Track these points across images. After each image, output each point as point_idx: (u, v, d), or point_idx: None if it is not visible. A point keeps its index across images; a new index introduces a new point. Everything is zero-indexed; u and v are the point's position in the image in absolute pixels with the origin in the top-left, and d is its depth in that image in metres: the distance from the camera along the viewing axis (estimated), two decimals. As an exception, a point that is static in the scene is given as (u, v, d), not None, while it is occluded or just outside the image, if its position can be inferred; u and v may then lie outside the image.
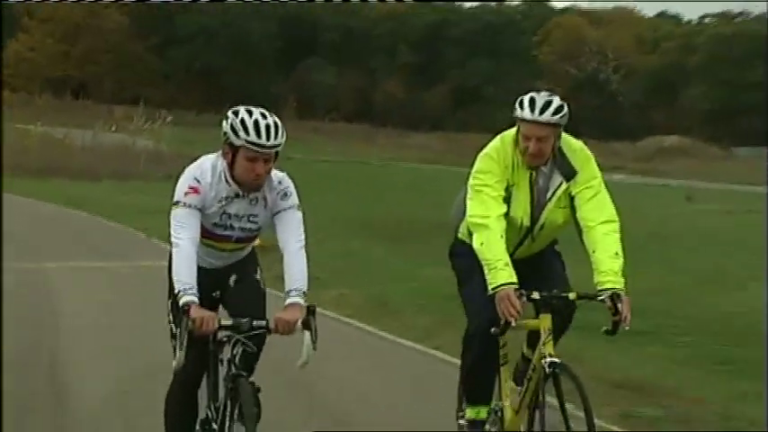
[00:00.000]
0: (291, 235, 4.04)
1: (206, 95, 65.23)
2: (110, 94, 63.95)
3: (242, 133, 3.89)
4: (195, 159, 4.18)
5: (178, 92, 66.00)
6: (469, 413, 4.62)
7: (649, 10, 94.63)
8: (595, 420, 4.05)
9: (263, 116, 3.92)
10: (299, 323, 3.84)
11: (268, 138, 3.89)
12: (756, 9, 67.30)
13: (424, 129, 66.68)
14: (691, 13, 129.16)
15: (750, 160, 57.23)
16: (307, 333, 3.83)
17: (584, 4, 77.70)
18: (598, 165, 4.46)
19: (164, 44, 67.89)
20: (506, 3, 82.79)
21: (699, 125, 65.18)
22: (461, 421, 4.77)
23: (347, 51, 70.08)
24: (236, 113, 3.95)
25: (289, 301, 3.91)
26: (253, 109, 3.97)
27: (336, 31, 70.75)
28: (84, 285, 11.39)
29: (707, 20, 73.32)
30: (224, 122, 3.98)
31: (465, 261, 4.49)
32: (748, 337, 8.29)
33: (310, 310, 3.88)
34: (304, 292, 3.92)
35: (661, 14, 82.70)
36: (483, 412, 4.57)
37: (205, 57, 67.00)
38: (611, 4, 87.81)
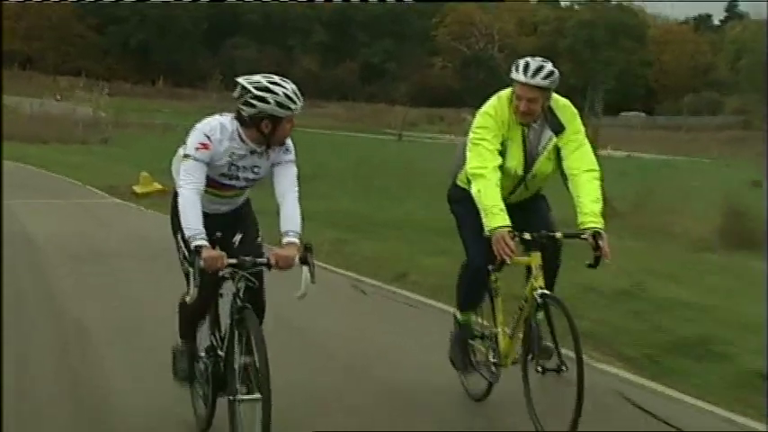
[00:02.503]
0: (289, 186, 4.01)
1: (140, 69, 68.00)
2: (54, 66, 65.94)
3: (271, 101, 3.86)
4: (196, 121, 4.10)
5: (115, 65, 68.39)
6: (460, 317, 4.75)
7: None
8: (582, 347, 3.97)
9: (281, 83, 3.93)
10: (297, 259, 3.83)
11: (294, 102, 3.92)
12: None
13: (335, 99, 70.47)
14: None
15: (605, 128, 62.84)
16: (305, 268, 3.82)
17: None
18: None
19: (103, 23, 69.85)
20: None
21: (566, 98, 70.55)
22: (456, 319, 4.93)
23: (267, 31, 72.85)
24: (251, 83, 3.92)
25: (286, 240, 3.90)
26: (273, 77, 3.99)
27: (257, 13, 73.58)
28: (38, 213, 15.23)
29: (576, 6, 78.55)
30: (241, 92, 3.90)
31: (463, 206, 4.53)
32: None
33: (307, 248, 3.87)
34: (299, 233, 3.91)
35: (543, 0, 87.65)
36: (472, 318, 4.74)
37: (139, 35, 69.46)
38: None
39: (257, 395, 3.63)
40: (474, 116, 4.48)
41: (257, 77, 3.89)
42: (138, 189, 19.00)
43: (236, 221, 4.21)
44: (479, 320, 4.73)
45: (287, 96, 3.82)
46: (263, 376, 3.60)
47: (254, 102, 3.81)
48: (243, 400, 3.73)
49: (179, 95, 64.29)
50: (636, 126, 61.35)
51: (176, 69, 68.81)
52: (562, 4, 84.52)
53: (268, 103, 3.80)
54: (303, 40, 75.43)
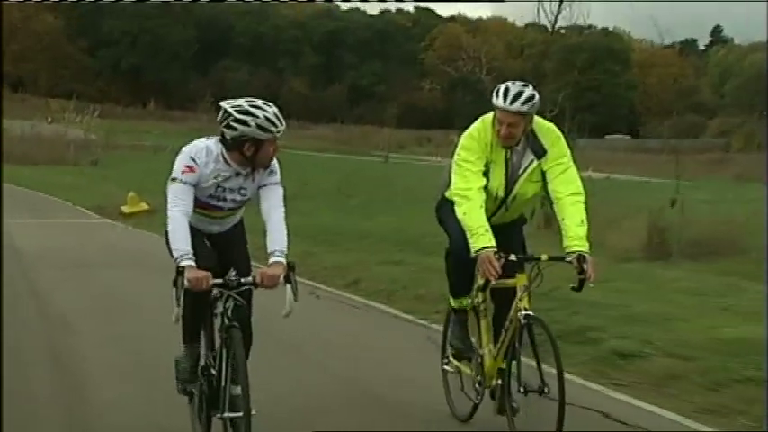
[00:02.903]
0: (275, 207, 4.11)
1: (131, 91, 69.10)
2: (45, 88, 66.85)
3: (252, 125, 3.95)
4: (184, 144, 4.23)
5: (107, 87, 69.49)
6: (454, 303, 4.85)
7: (521, 20, 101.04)
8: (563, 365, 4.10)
9: (264, 107, 4.03)
10: (281, 278, 3.92)
11: (275, 125, 4.01)
12: (600, 24, 74.30)
13: (324, 121, 71.75)
14: (559, 23, 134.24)
15: (589, 150, 64.35)
16: (288, 286, 3.91)
17: (469, 13, 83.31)
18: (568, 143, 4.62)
19: (93, 45, 71.02)
20: (399, 11, 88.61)
21: (551, 119, 72.01)
22: (446, 367, 4.99)
23: (258, 53, 74.17)
24: (234, 107, 4.02)
25: (272, 259, 3.98)
26: (256, 101, 4.06)
27: (248, 36, 75.01)
28: (30, 232, 16.06)
29: (562, 30, 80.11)
30: (224, 116, 3.99)
31: (447, 208, 4.64)
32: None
33: (290, 267, 3.95)
34: (285, 253, 3.99)
35: (531, 24, 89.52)
36: (465, 302, 4.79)
37: (130, 57, 70.72)
38: (488, 14, 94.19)
39: (240, 413, 3.78)
40: (459, 139, 4.57)
41: (240, 101, 4.01)
42: (125, 209, 19.90)
43: (225, 241, 4.31)
44: (461, 348, 4.77)
45: (267, 119, 3.94)
46: (243, 395, 3.74)
47: (235, 125, 3.93)
48: (228, 418, 3.92)
49: (170, 117, 65.30)
50: (620, 148, 62.65)
51: (167, 91, 69.99)
52: (549, 27, 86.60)
53: (249, 126, 3.92)
54: (293, 62, 76.80)
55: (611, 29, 79.55)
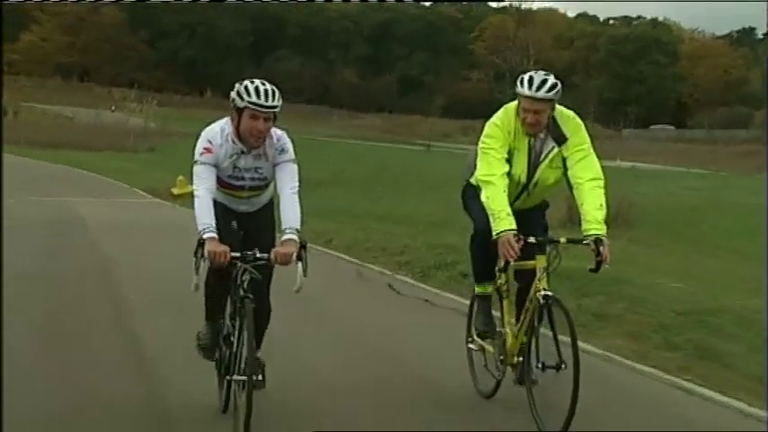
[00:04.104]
0: (287, 183, 4.30)
1: (188, 81, 72.74)
2: (109, 78, 70.73)
3: (245, 96, 4.16)
4: (206, 126, 4.43)
5: (165, 78, 73.17)
6: (478, 289, 4.96)
7: (572, 11, 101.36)
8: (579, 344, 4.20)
9: (263, 83, 4.22)
10: (294, 256, 4.12)
11: (266, 99, 4.16)
12: (650, 14, 74.92)
13: (373, 111, 74.12)
14: (609, 13, 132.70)
15: (633, 140, 65.36)
16: (299, 264, 4.12)
17: (518, 3, 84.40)
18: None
19: (154, 37, 74.62)
20: (451, 2, 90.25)
21: (598, 110, 73.19)
22: (471, 345, 5.10)
23: (309, 45, 76.78)
24: (241, 83, 4.24)
25: (285, 237, 4.19)
26: (255, 79, 4.26)
27: (300, 28, 77.66)
28: (92, 208, 18.48)
29: (611, 21, 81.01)
30: (232, 92, 4.25)
31: (471, 193, 4.82)
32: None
33: (302, 245, 4.15)
34: (297, 230, 4.20)
35: (582, 15, 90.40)
36: (489, 288, 4.91)
37: (188, 48, 74.31)
38: (539, 5, 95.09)
39: (243, 377, 4.03)
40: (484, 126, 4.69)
41: (247, 80, 4.26)
42: (175, 191, 22.53)
43: (254, 223, 4.52)
44: (485, 328, 4.90)
45: (257, 92, 4.15)
46: (249, 361, 3.98)
47: (234, 97, 4.21)
48: (235, 380, 4.19)
49: (225, 106, 66.51)
50: (663, 139, 63.47)
51: (223, 81, 73.12)
52: (602, 19, 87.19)
53: (242, 98, 4.17)
54: (343, 53, 79.30)
55: (660, 19, 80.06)
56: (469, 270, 5.05)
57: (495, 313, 4.90)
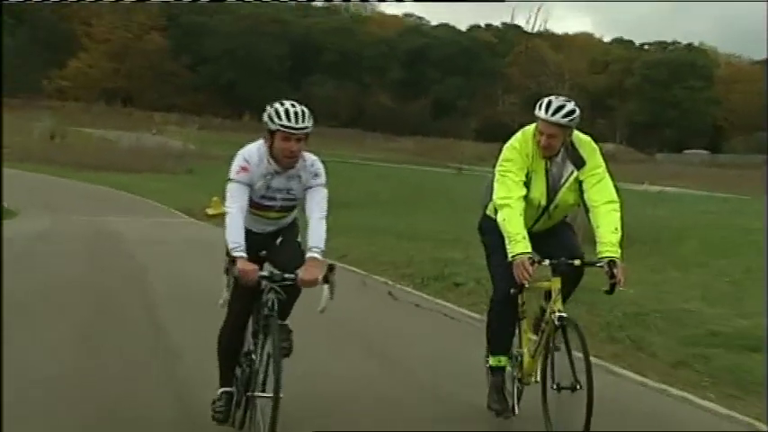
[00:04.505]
0: (316, 207, 4.40)
1: (228, 104, 74.93)
2: (151, 102, 73.27)
3: (276, 119, 4.25)
4: (244, 145, 4.50)
5: (206, 101, 75.45)
6: (492, 361, 4.89)
7: (608, 35, 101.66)
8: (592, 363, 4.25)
9: (293, 105, 4.29)
10: (320, 278, 4.19)
11: (297, 121, 4.25)
12: (685, 40, 75.31)
13: (407, 134, 75.44)
14: (645, 37, 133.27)
15: (666, 164, 65.69)
16: (326, 286, 4.20)
17: (554, 28, 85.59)
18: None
19: (195, 62, 77.30)
20: (488, 27, 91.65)
21: (632, 134, 73.71)
22: (490, 363, 5.01)
23: (345, 69, 78.67)
24: (271, 105, 4.33)
25: (309, 255, 4.28)
26: (285, 101, 4.33)
27: (336, 53, 79.65)
28: (131, 227, 19.94)
29: (645, 47, 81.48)
30: (264, 114, 4.34)
31: (492, 237, 4.74)
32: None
33: (330, 268, 4.24)
34: (322, 250, 4.29)
35: (617, 40, 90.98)
36: (504, 361, 4.86)
37: (228, 73, 76.57)
38: (575, 28, 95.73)
39: (269, 394, 4.05)
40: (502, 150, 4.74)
41: (277, 102, 4.35)
42: (209, 211, 23.68)
43: (279, 242, 4.62)
44: (512, 372, 4.84)
45: (287, 114, 4.24)
46: (275, 378, 4.01)
47: (266, 120, 4.30)
48: (258, 397, 4.22)
49: (262, 129, 70.03)
50: (696, 163, 63.73)
51: (261, 105, 74.32)
52: (637, 44, 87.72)
53: (273, 121, 4.26)
54: (379, 77, 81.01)
55: (696, 44, 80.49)
56: (483, 338, 4.92)
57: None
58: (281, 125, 4.23)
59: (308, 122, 4.28)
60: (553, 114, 4.46)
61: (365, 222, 20.24)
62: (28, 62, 69.89)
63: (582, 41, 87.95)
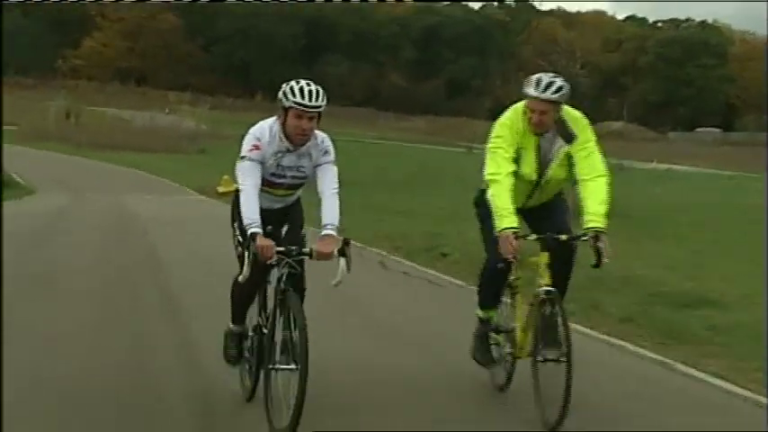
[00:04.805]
0: (328, 183, 4.48)
1: (241, 84, 75.63)
2: (165, 82, 73.96)
3: (290, 96, 4.32)
4: (252, 126, 4.56)
5: (219, 81, 76.13)
6: (480, 313, 5.13)
7: (621, 13, 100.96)
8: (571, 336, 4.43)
9: (308, 84, 4.36)
10: (335, 252, 4.32)
11: (311, 99, 4.32)
12: (698, 17, 75.24)
13: (420, 113, 75.92)
14: (658, 15, 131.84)
15: (678, 142, 65.93)
16: (342, 260, 4.31)
17: (566, 6, 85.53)
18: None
19: (209, 42, 77.83)
20: (500, 5, 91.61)
21: (645, 113, 73.89)
22: (477, 315, 5.20)
23: (359, 49, 79.06)
24: (287, 83, 4.41)
25: (324, 232, 4.37)
26: (301, 80, 4.41)
27: (350, 32, 79.93)
28: (144, 204, 20.69)
29: (659, 24, 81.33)
30: (279, 92, 4.39)
31: (485, 210, 4.85)
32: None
33: (346, 242, 4.35)
34: (336, 226, 4.38)
35: (630, 17, 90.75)
36: (492, 314, 5.10)
37: (241, 53, 77.18)
38: (588, 6, 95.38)
39: (293, 366, 4.17)
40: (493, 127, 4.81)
41: (293, 81, 4.41)
42: (219, 189, 24.68)
43: (285, 216, 4.73)
44: (503, 316, 5.05)
45: (302, 92, 4.32)
46: (301, 349, 4.12)
47: (281, 97, 4.37)
48: (280, 369, 4.29)
49: (274, 109, 70.31)
50: (708, 141, 63.91)
51: (274, 85, 75.32)
52: (650, 21, 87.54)
53: (288, 97, 4.33)
54: (393, 57, 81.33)
55: (710, 22, 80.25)
56: (475, 295, 5.13)
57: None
58: (295, 102, 4.31)
59: (322, 101, 4.37)
60: (544, 91, 4.56)
61: (371, 200, 20.97)
62: (42, 41, 71.07)
63: (595, 20, 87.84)
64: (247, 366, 4.77)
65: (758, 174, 36.73)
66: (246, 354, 4.77)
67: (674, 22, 79.77)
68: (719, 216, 14.56)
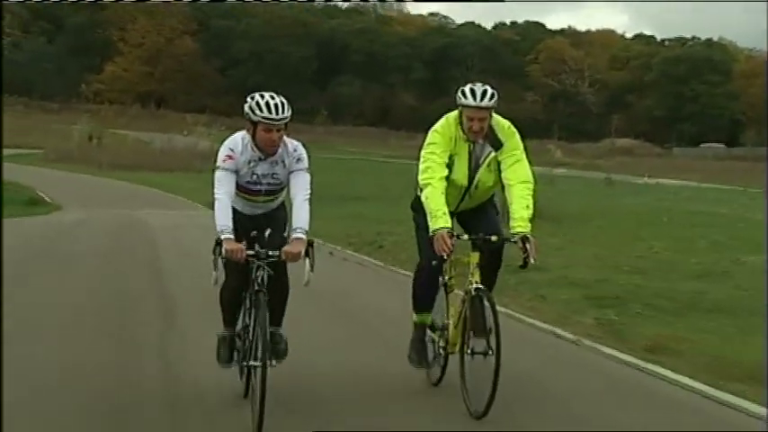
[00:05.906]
0: (300, 190, 4.72)
1: (256, 106, 78.16)
2: (183, 104, 76.90)
3: (258, 111, 4.53)
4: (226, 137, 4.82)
5: (235, 103, 78.17)
6: (416, 318, 5.33)
7: (630, 31, 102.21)
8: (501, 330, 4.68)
9: (272, 97, 4.57)
10: (302, 253, 4.57)
11: (277, 113, 4.53)
12: (704, 35, 77.11)
13: (429, 132, 77.95)
14: (666, 33, 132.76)
15: (681, 158, 67.53)
16: (307, 260, 4.59)
17: (578, 26, 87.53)
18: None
19: (225, 65, 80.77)
20: (512, 24, 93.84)
21: (651, 129, 75.74)
22: (413, 321, 5.42)
23: (370, 70, 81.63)
24: (252, 98, 4.62)
25: (294, 236, 4.65)
26: (264, 93, 4.62)
27: (362, 54, 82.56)
28: (160, 219, 22.51)
29: (666, 42, 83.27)
30: (245, 105, 4.60)
31: (420, 215, 5.08)
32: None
33: (309, 243, 4.62)
34: (306, 230, 4.63)
35: (639, 36, 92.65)
36: (427, 318, 5.31)
37: (256, 76, 79.86)
38: (598, 24, 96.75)
39: (258, 363, 4.45)
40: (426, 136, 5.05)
41: (255, 93, 4.68)
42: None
43: (269, 221, 4.95)
44: (439, 315, 5.25)
45: (267, 107, 4.56)
46: (262, 349, 4.44)
47: (248, 111, 4.60)
48: (251, 366, 4.61)
49: (289, 129, 73.38)
50: (709, 157, 65.46)
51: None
52: (659, 39, 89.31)
53: (255, 113, 4.57)
54: (403, 77, 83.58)
55: (716, 39, 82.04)
56: (409, 299, 5.33)
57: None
58: (263, 117, 4.56)
59: (287, 113, 4.61)
60: (481, 99, 4.91)
61: (362, 212, 23.28)
62: (66, 67, 74.33)
63: (604, 38, 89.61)
64: (238, 366, 5.06)
65: (758, 188, 38.11)
66: (235, 354, 5.05)
67: (681, 41, 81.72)
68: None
